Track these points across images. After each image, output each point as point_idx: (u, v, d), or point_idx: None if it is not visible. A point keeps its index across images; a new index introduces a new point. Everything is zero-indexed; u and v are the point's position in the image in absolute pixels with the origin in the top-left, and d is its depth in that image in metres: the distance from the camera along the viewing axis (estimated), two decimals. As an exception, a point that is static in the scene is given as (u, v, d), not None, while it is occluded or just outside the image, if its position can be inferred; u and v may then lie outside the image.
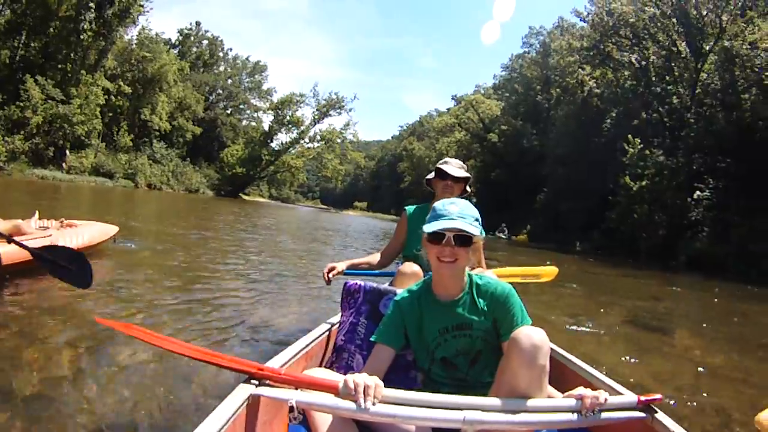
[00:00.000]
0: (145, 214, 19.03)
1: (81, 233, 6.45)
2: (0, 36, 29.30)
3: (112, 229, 7.59)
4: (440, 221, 2.18)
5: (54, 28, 34.62)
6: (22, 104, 29.45)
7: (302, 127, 66.32)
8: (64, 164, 33.04)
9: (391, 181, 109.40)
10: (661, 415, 2.05)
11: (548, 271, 4.06)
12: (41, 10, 32.72)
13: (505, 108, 61.64)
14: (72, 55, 34.98)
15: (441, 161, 3.77)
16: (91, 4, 34.44)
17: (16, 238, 4.99)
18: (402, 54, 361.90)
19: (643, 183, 27.56)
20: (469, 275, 2.31)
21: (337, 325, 2.99)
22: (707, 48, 29.27)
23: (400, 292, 2.49)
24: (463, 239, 2.16)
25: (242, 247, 11.74)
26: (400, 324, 2.30)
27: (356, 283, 2.94)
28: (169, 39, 63.56)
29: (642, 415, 2.03)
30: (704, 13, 29.00)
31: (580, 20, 40.10)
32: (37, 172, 29.52)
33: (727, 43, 26.47)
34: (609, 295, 11.78)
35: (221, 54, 74.79)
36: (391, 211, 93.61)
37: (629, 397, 2.07)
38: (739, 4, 27.72)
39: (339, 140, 68.41)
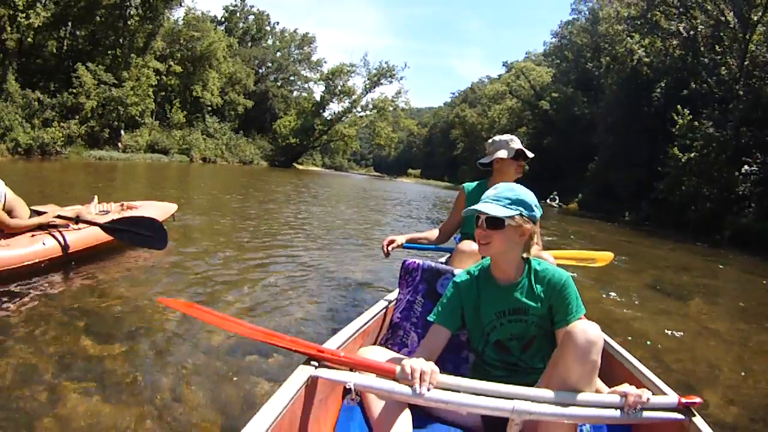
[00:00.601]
0: (202, 188, 19.31)
1: (142, 214, 6.30)
2: (47, 27, 29.63)
3: (171, 208, 7.68)
4: (477, 204, 2.27)
5: (100, 17, 35.04)
6: (75, 90, 30.16)
7: (354, 97, 66.23)
8: (119, 144, 33.89)
9: (444, 148, 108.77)
10: (698, 420, 2.09)
11: (604, 256, 4.12)
12: (85, 1, 33.28)
13: (556, 75, 60.93)
14: (121, 40, 35.53)
15: (492, 143, 3.85)
16: None
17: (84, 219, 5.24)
18: (450, 20, 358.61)
19: (692, 155, 27.10)
20: (529, 260, 2.35)
21: (394, 302, 3.05)
22: (755, 18, 28.41)
23: (459, 272, 2.55)
24: (495, 221, 2.21)
25: (302, 219, 11.83)
26: (457, 306, 2.34)
27: (414, 262, 3.00)
28: (215, 16, 63.93)
29: (680, 417, 2.07)
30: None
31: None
32: (94, 153, 30.36)
33: None
34: (644, 264, 11.88)
35: (268, 28, 74.73)
36: (444, 177, 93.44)
37: (671, 397, 2.10)
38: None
39: (391, 108, 68.03)
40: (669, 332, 5.54)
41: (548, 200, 40.53)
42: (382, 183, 54.51)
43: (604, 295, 7.37)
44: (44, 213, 5.09)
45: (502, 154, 3.70)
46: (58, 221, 5.16)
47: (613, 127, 39.32)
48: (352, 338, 2.64)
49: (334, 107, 67.64)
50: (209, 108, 50.77)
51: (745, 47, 28.90)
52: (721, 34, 30.78)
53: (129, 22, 35.64)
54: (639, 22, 36.29)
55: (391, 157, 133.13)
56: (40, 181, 15.20)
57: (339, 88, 66.07)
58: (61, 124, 28.47)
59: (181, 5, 42.32)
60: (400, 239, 3.81)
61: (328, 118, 67.32)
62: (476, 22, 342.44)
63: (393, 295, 3.09)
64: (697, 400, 2.07)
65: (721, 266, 13.90)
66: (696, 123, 27.69)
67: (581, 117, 50.69)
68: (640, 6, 35.41)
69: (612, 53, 41.20)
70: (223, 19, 67.48)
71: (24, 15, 26.36)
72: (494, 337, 2.29)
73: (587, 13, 58.08)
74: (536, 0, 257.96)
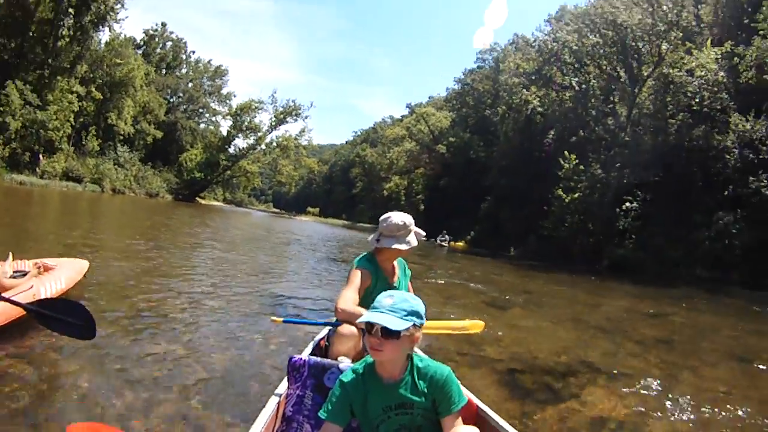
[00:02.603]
0: (112, 229, 18.94)
1: (59, 277, 5.92)
2: None
3: (84, 265, 6.94)
4: (372, 313, 2.31)
5: (32, 31, 35.53)
6: (1, 108, 30.45)
7: (259, 134, 67.34)
8: (38, 168, 34.21)
9: (344, 186, 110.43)
10: None
11: (476, 325, 3.93)
12: (20, 11, 33.57)
13: (455, 120, 63.45)
14: (50, 60, 35.91)
15: (383, 218, 3.75)
16: (71, 10, 35.48)
17: (5, 294, 4.65)
18: (360, 60, 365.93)
19: (575, 195, 29.82)
20: (411, 356, 2.45)
21: (285, 396, 3.06)
22: (646, 74, 31.39)
23: (344, 366, 2.86)
24: (390, 332, 2.25)
25: (204, 269, 10.93)
26: (346, 403, 2.40)
27: (300, 359, 3.07)
28: (134, 38, 63.44)
29: None
30: (641, 45, 31.16)
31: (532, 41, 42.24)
32: (15, 177, 30.75)
33: (665, 70, 28.85)
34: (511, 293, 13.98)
35: (184, 56, 75.43)
36: (342, 216, 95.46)
37: None
38: (680, 35, 29.71)
39: (294, 146, 69.26)
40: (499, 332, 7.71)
41: (438, 239, 41.56)
42: (283, 222, 52.53)
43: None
44: None
45: (403, 247, 3.68)
46: None
47: (506, 170, 41.72)
48: None
49: (240, 143, 68.63)
50: (121, 137, 51.05)
51: (634, 99, 31.92)
52: (613, 86, 33.86)
53: (60, 43, 36.13)
54: (534, 77, 39.07)
55: (291, 194, 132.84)
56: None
57: (246, 124, 66.91)
58: (-15, 143, 28.58)
59: (110, 29, 42.84)
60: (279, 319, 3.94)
61: (233, 153, 68.14)
62: (386, 63, 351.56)
63: (282, 389, 3.08)
64: None
65: (563, 287, 16.80)
66: (581, 167, 30.42)
67: (476, 160, 52.78)
68: (538, 61, 38.34)
69: (509, 102, 43.87)
70: (142, 43, 67.94)
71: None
72: (383, 429, 2.41)
73: (492, 62, 60.25)
74: (444, 47, 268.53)
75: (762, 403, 5.53)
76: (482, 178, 47.27)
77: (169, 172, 63.06)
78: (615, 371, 6.31)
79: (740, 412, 5.08)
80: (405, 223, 3.66)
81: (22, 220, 16.21)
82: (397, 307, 2.30)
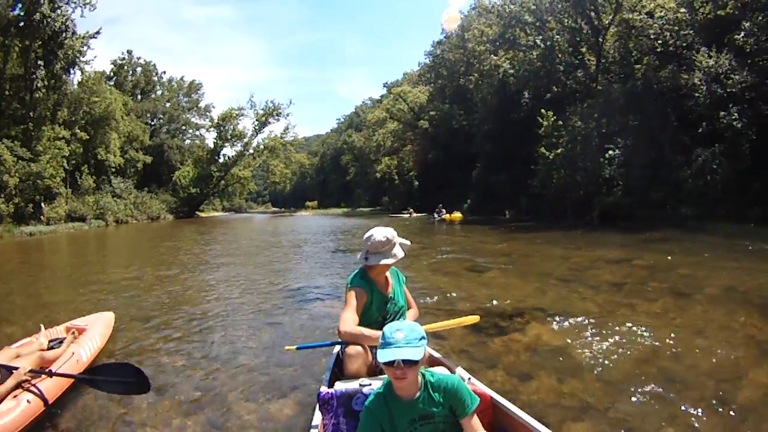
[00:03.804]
0: (123, 262, 18.76)
1: (93, 336, 6.17)
2: None
3: (111, 318, 7.22)
4: (391, 350, 2.53)
5: (7, 89, 36.21)
6: None
7: (245, 139, 68.04)
8: (42, 217, 35.09)
9: (337, 174, 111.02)
10: None
11: (470, 320, 4.14)
12: None
13: (432, 93, 63.13)
14: (31, 113, 36.56)
15: (366, 237, 3.94)
16: (40, 62, 36.14)
17: (52, 369, 4.89)
18: (330, 45, 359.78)
19: (558, 151, 30.31)
20: (422, 373, 2.69)
21: (321, 427, 3.26)
22: (606, 22, 31.57)
23: (369, 392, 3.04)
24: (410, 362, 2.51)
25: (221, 291, 11.01)
26: (375, 425, 2.64)
27: (328, 392, 3.26)
28: (104, 71, 62.91)
29: None
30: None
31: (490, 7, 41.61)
32: (24, 229, 31.63)
33: (626, 15, 29.44)
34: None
35: (156, 78, 75.55)
36: (341, 204, 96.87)
37: None
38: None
39: (281, 145, 69.94)
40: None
41: (435, 215, 40.91)
42: (284, 220, 54.45)
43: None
44: (14, 368, 4.64)
45: (390, 261, 3.88)
46: (32, 375, 4.71)
47: (489, 135, 42.14)
48: None
49: (228, 151, 69.32)
50: (113, 169, 51.77)
51: (599, 49, 32.39)
52: (578, 38, 34.18)
53: (37, 95, 36.81)
54: (498, 42, 39.26)
55: (287, 191, 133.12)
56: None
57: (230, 132, 67.54)
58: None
59: (81, 72, 43.35)
60: (292, 347, 4.29)
61: (224, 163, 68.76)
62: (356, 44, 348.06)
63: (317, 420, 3.26)
64: None
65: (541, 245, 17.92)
66: (560, 122, 30.94)
67: (460, 129, 52.77)
68: (500, 26, 38.49)
69: (479, 69, 44.09)
70: (112, 74, 68.91)
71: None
72: None
73: (457, 29, 58.23)
74: (412, 19, 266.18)
75: (683, 328, 6.71)
76: (468, 147, 47.75)
77: (165, 192, 63.69)
78: (559, 312, 7.68)
79: (658, 337, 6.23)
80: (387, 239, 3.89)
81: (39, 271, 16.76)
82: (410, 338, 2.55)
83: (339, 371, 3.85)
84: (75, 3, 37.57)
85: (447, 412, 2.66)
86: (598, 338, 6.28)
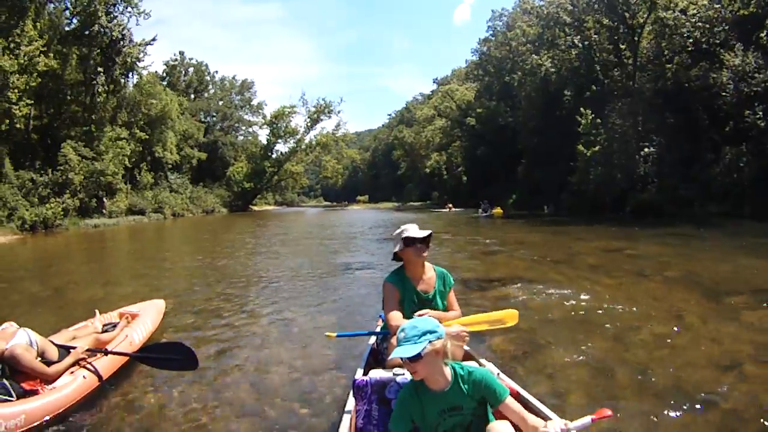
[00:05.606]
0: (181, 250, 20.53)
1: (145, 321, 6.49)
2: (20, 109, 30.27)
3: (161, 305, 7.41)
4: (396, 350, 2.65)
5: (69, 94, 38.43)
6: (62, 168, 33.00)
7: (297, 136, 69.11)
8: (104, 210, 37.18)
9: (388, 169, 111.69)
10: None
11: (510, 315, 4.04)
12: (53, 82, 35.87)
13: (479, 90, 63.99)
14: (92, 116, 38.50)
15: (401, 231, 4.03)
16: (99, 69, 37.72)
17: (108, 348, 5.25)
18: (377, 41, 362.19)
19: (596, 148, 31.07)
20: (452, 367, 2.77)
21: (354, 413, 3.36)
22: (641, 20, 32.16)
23: (402, 381, 3.25)
24: (413, 357, 2.58)
25: (271, 282, 11.19)
26: (407, 414, 2.74)
27: (363, 380, 3.37)
28: (157, 72, 62.98)
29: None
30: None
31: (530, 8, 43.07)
32: (88, 221, 33.81)
33: (661, 14, 29.87)
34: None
35: (208, 78, 77.08)
36: (392, 198, 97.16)
37: (585, 419, 2.43)
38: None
39: (333, 141, 70.67)
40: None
41: (480, 210, 41.58)
42: (336, 214, 56.84)
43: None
44: (71, 348, 5.03)
45: (398, 248, 4.03)
46: (88, 354, 5.09)
47: (534, 131, 42.99)
48: None
49: (281, 147, 71.78)
50: (169, 165, 53.74)
51: (635, 47, 32.94)
52: (616, 37, 34.66)
53: (97, 98, 38.76)
54: (537, 43, 40.43)
55: (339, 185, 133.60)
56: (46, 261, 17.86)
57: (283, 129, 69.08)
58: (57, 199, 31.58)
59: (139, 75, 45.26)
60: (333, 334, 4.54)
61: (276, 158, 69.94)
62: (405, 40, 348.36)
63: (350, 406, 3.38)
64: (608, 413, 2.44)
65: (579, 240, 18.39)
66: (599, 120, 31.56)
67: (506, 126, 53.65)
68: (539, 26, 39.60)
69: (523, 68, 44.75)
70: (165, 74, 70.22)
71: (17, 107, 29.20)
72: (441, 429, 2.75)
73: (503, 27, 59.39)
74: (459, 14, 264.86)
75: (627, 300, 7.95)
76: (514, 143, 48.34)
77: (219, 187, 65.55)
78: (535, 281, 9.56)
79: (604, 304, 7.67)
80: (401, 229, 4.04)
81: (101, 259, 18.14)
82: (409, 335, 2.61)
83: (373, 360, 4.17)
84: (130, 12, 39.29)
85: (476, 405, 2.75)
86: (563, 297, 8.21)
